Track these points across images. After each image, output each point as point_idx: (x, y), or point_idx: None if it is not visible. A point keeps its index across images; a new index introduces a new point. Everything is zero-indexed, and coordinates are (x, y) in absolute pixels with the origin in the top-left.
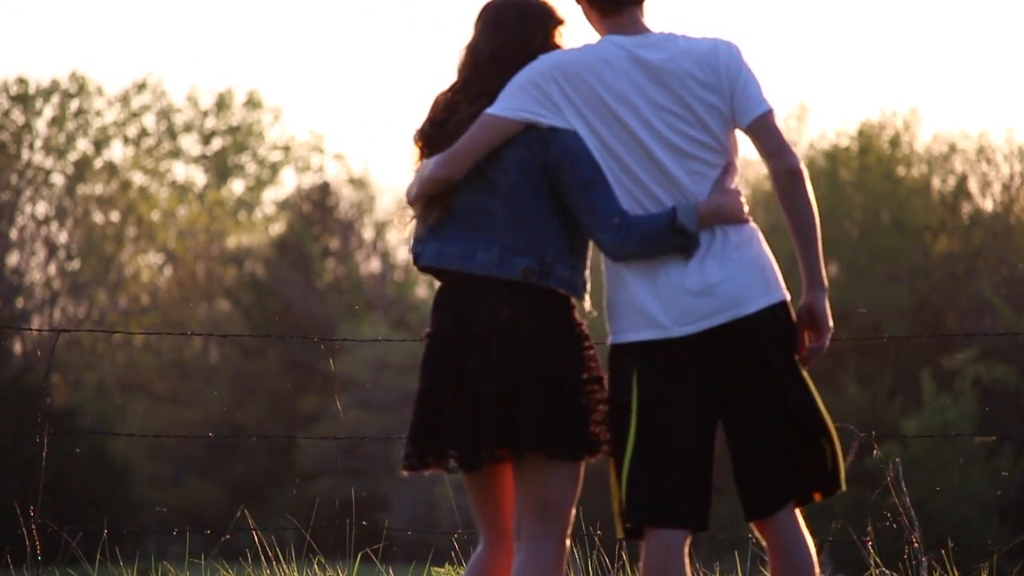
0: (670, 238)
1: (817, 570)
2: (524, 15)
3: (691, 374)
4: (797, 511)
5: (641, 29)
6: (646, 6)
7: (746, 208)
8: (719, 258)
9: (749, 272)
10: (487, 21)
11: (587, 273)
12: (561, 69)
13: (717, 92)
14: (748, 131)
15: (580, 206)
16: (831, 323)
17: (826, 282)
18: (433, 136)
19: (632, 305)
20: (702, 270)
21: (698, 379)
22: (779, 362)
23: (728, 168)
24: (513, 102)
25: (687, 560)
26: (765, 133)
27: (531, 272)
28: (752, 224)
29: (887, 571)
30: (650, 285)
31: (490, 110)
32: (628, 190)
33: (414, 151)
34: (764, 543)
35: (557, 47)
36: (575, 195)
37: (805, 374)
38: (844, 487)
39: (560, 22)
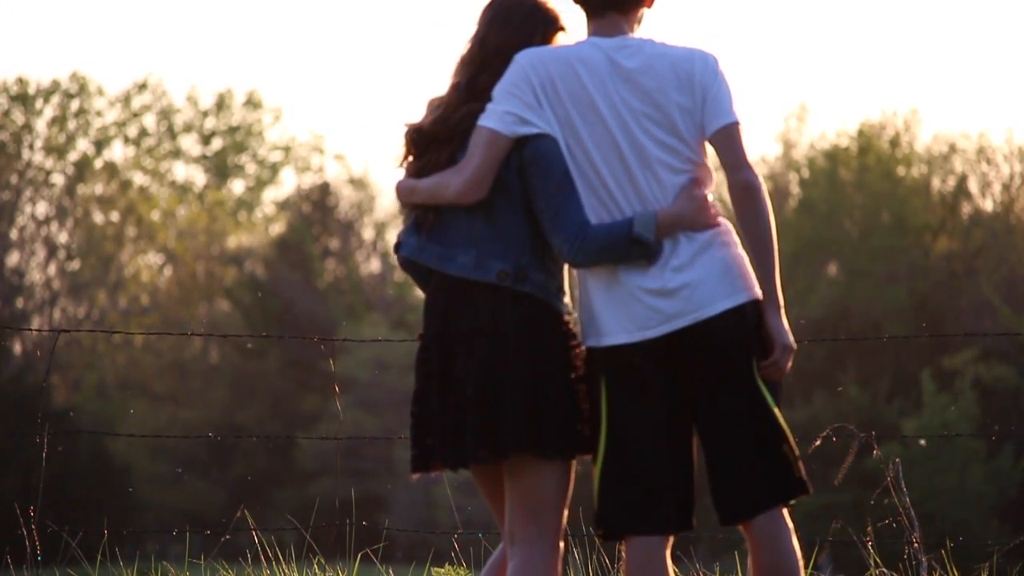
0: (627, 248)
1: (801, 573)
2: (529, 14)
3: (658, 379)
4: (786, 513)
5: (621, 34)
6: (642, 16)
7: (717, 213)
8: (682, 262)
9: (712, 274)
10: (495, 15)
11: (564, 277)
12: (544, 65)
13: (690, 96)
14: (711, 140)
15: (543, 211)
16: (788, 340)
17: (780, 299)
18: (438, 131)
19: (597, 310)
20: (663, 275)
21: (665, 384)
22: (743, 366)
23: (701, 178)
24: (506, 113)
25: (669, 563)
26: (727, 144)
27: (506, 275)
28: (722, 225)
29: (887, 571)
30: (612, 290)
31: (487, 123)
32: (596, 193)
33: (404, 147)
34: (748, 544)
35: None
36: (540, 199)
37: (761, 383)
38: (811, 491)
39: (561, 29)
